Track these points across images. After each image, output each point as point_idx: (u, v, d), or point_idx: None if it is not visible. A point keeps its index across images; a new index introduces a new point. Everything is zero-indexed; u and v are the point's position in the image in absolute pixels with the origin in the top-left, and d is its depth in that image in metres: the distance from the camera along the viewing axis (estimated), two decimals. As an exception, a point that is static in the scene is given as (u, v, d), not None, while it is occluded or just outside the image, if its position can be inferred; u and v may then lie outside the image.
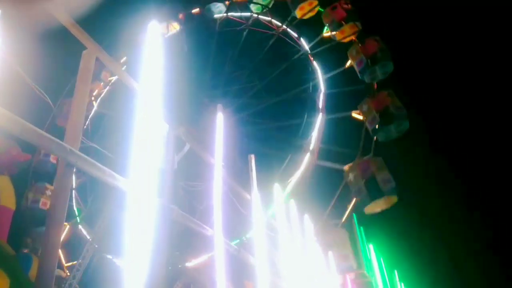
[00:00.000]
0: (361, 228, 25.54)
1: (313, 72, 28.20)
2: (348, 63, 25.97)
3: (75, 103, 7.05)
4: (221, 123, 11.18)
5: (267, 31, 30.42)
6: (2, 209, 8.29)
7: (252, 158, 13.58)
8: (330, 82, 27.85)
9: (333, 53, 28.41)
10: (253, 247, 11.26)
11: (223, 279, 8.92)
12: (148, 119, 7.65)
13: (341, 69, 26.89)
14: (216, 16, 31.30)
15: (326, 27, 27.82)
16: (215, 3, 30.88)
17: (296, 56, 28.86)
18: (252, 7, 30.76)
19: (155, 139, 7.77)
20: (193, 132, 11.45)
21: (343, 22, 26.28)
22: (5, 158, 8.61)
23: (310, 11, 28.33)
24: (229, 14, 31.15)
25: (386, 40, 25.02)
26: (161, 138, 8.90)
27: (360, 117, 24.29)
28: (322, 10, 28.08)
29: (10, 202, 8.30)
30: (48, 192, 18.91)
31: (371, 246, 26.70)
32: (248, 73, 29.64)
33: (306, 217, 15.99)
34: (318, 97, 26.84)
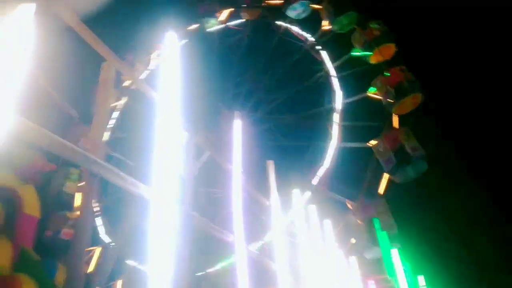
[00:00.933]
0: (384, 232, 25.16)
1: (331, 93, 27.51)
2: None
3: (97, 114, 7.28)
4: (239, 130, 11.29)
5: (297, 42, 29.86)
6: (27, 217, 8.56)
7: (271, 163, 13.65)
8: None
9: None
10: (274, 252, 11.29)
11: (245, 284, 8.98)
12: (167, 127, 7.80)
13: (362, 95, 26.22)
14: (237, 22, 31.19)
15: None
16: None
17: (318, 75, 28.34)
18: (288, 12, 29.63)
19: (175, 147, 7.91)
20: (212, 139, 11.59)
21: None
22: (30, 168, 8.89)
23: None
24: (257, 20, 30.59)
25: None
26: (181, 146, 9.06)
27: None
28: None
29: (34, 210, 8.57)
30: (70, 222, 18.36)
31: (395, 251, 26.23)
32: (268, 83, 29.60)
33: (327, 222, 15.91)
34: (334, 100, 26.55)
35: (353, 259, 18.29)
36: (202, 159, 10.04)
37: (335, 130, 25.35)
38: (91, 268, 10.11)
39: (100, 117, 7.45)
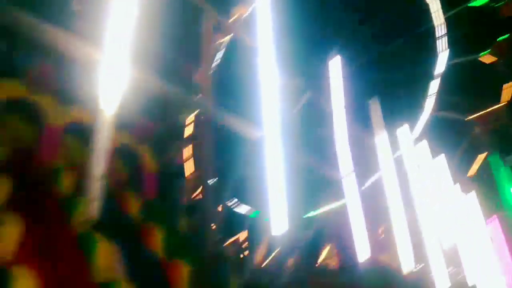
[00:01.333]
0: (508, 168, 22.83)
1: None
2: None
3: (204, 63, 7.48)
4: (338, 67, 10.86)
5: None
6: (147, 173, 9.51)
7: (375, 100, 13.01)
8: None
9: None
10: (384, 190, 10.99)
11: (359, 223, 8.95)
12: (267, 72, 7.80)
13: None
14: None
15: None
16: None
17: None
18: None
19: (277, 89, 7.91)
20: (313, 78, 11.34)
21: None
22: (145, 128, 9.77)
23: None
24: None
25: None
26: (282, 87, 9.00)
27: (488, 61, 20.86)
28: None
29: (153, 166, 9.53)
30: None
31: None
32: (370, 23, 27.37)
33: (441, 156, 14.89)
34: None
35: (473, 194, 17.04)
36: (304, 99, 9.91)
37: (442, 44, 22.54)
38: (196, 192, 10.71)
39: (206, 65, 7.65)
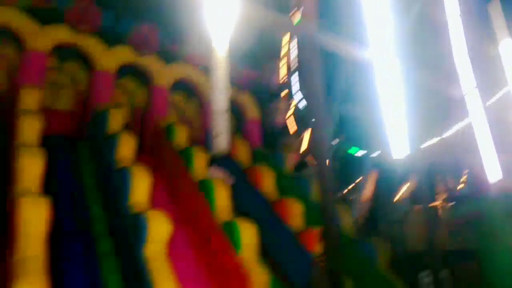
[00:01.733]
0: None
1: None
2: None
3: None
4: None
5: None
6: (251, 121, 9.72)
7: (495, 3, 11.19)
8: None
9: None
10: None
11: (487, 143, 8.03)
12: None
13: None
14: None
15: None
16: None
17: None
18: None
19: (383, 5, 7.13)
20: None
21: None
22: (243, 77, 9.90)
23: None
24: None
25: None
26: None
27: None
28: None
29: (255, 114, 9.75)
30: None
31: None
32: None
33: None
34: None
35: None
36: (414, 12, 8.87)
37: None
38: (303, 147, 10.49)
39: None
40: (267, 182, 7.21)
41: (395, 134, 6.24)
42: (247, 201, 6.37)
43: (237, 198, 5.91)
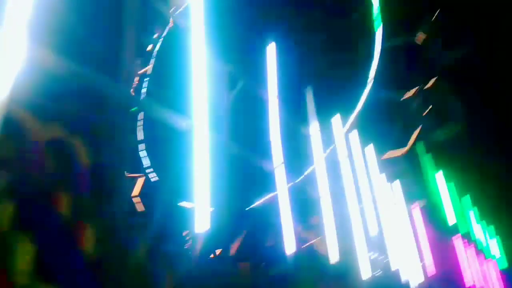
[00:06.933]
0: (429, 155, 24.40)
1: None
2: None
3: (126, 45, 6.86)
4: (273, 56, 10.63)
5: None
6: (80, 165, 8.82)
7: (309, 90, 13.03)
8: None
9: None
10: (316, 181, 11.06)
11: (288, 215, 8.87)
12: (200, 58, 7.37)
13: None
14: None
15: None
16: None
17: None
18: None
19: (208, 77, 7.50)
20: (247, 67, 11.05)
21: None
22: (78, 118, 9.08)
23: None
24: None
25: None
26: (214, 75, 8.61)
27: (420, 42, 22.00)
28: None
29: (86, 158, 8.85)
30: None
31: (439, 174, 25.62)
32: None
33: (370, 147, 15.40)
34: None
35: (397, 183, 17.92)
36: (237, 88, 9.58)
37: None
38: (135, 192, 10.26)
39: (129, 49, 7.03)
40: (90, 238, 6.40)
41: (201, 203, 6.33)
42: (60, 262, 5.48)
43: (47, 258, 5.05)
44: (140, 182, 9.68)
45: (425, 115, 20.57)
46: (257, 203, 10.07)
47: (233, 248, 9.33)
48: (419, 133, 21.41)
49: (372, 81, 22.09)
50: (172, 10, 9.58)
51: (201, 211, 6.11)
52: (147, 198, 8.95)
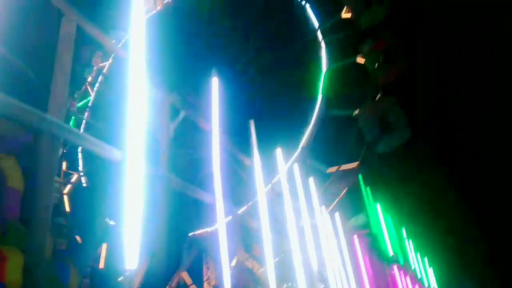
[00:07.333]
0: (368, 188, 25.43)
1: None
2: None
3: (57, 72, 6.71)
4: (216, 88, 10.80)
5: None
6: (10, 190, 8.17)
7: (252, 123, 13.25)
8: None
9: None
10: (257, 212, 11.13)
11: (225, 244, 8.83)
12: (141, 88, 7.35)
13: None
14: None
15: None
16: None
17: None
18: None
19: (148, 108, 7.47)
20: (188, 98, 11.11)
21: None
22: (10, 140, 8.50)
23: None
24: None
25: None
26: (155, 106, 8.59)
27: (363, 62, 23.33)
28: None
29: (17, 183, 8.24)
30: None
31: (378, 206, 26.72)
32: (245, 35, 28.21)
33: (311, 180, 15.81)
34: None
35: (338, 215, 18.42)
36: (178, 119, 9.58)
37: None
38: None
39: (61, 76, 6.88)
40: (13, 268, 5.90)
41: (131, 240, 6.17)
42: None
43: None
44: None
45: (371, 129, 21.56)
46: (196, 234, 9.94)
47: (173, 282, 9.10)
48: (366, 147, 22.22)
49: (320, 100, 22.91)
50: (113, 42, 9.55)
51: (131, 248, 5.94)
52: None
